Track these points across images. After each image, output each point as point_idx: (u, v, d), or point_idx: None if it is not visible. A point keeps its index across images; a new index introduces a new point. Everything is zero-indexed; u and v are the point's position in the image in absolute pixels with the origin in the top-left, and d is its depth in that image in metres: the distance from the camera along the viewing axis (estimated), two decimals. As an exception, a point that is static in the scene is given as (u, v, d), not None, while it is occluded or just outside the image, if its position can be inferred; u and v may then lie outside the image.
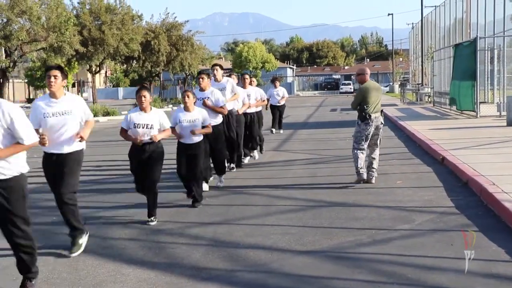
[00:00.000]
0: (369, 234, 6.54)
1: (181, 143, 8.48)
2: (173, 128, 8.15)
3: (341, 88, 79.19)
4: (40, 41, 30.87)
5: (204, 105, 9.32)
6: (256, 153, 12.95)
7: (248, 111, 12.13)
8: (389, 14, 68.13)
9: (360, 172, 9.32)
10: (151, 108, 7.51)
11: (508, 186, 7.99)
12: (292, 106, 39.61)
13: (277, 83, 18.80)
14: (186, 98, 8.40)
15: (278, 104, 18.55)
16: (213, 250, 6.22)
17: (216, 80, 10.68)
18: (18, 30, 29.21)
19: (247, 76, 12.60)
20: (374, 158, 9.54)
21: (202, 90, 9.66)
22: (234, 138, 10.81)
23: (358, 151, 9.31)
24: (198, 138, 8.50)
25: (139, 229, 7.15)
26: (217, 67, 10.81)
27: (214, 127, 9.15)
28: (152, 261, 5.86)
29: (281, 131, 19.15)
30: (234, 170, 11.31)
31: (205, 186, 9.18)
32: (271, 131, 18.66)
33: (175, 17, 49.84)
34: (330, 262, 5.65)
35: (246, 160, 12.49)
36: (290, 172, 11.33)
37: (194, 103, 8.60)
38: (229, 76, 11.64)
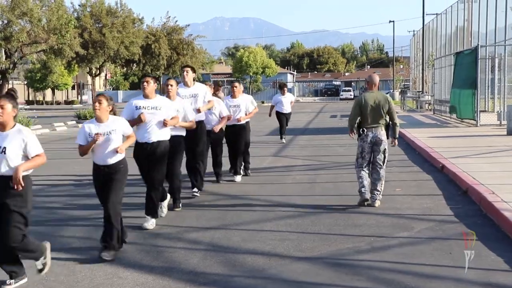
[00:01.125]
0: (368, 241, 6.52)
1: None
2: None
3: (341, 95, 79.25)
4: (41, 43, 30.87)
5: (165, 125, 7.50)
6: (239, 178, 10.97)
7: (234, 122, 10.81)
8: (390, 21, 68.21)
9: (362, 191, 8.38)
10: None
11: (508, 195, 7.97)
12: (292, 112, 39.54)
13: (285, 90, 18.29)
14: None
15: (285, 112, 17.98)
16: (211, 255, 6.19)
17: (185, 84, 9.13)
18: (18, 32, 29.22)
19: (236, 84, 11.25)
20: (376, 179, 8.48)
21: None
22: (198, 156, 9.20)
23: (358, 168, 8.55)
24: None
25: (137, 233, 7.12)
26: (188, 69, 9.20)
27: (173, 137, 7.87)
28: (149, 265, 5.84)
29: (284, 140, 18.30)
30: (197, 194, 9.22)
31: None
32: (282, 140, 17.96)
33: (176, 21, 49.98)
34: (328, 269, 5.62)
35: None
36: (289, 177, 11.31)
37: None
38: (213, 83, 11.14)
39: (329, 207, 8.37)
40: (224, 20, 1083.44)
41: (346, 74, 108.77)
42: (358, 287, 5.10)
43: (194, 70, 9.30)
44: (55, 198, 9.60)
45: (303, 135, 21.25)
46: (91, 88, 49.29)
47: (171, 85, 8.27)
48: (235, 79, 11.32)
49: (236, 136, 10.93)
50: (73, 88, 79.09)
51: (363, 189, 8.37)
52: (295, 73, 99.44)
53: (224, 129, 10.61)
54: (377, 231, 6.95)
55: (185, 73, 9.11)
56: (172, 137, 7.71)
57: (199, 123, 9.04)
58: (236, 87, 11.11)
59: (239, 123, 10.85)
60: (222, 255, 6.14)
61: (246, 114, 11.07)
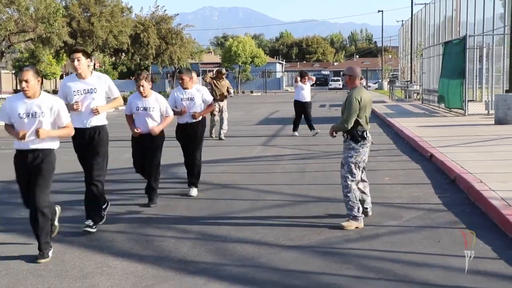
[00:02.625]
0: (357, 230, 6.55)
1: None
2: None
3: (330, 84, 79.39)
4: (28, 32, 30.63)
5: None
6: (194, 191, 8.77)
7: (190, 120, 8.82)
8: (379, 11, 68.29)
9: (367, 210, 7.06)
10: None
11: (496, 183, 8.03)
12: (281, 102, 39.62)
13: (306, 79, 17.02)
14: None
15: (304, 100, 16.82)
16: (200, 243, 6.20)
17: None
18: (6, 20, 28.96)
19: (184, 75, 8.71)
20: (365, 194, 7.13)
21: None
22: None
23: (352, 182, 6.77)
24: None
25: (126, 222, 7.11)
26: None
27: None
28: (139, 254, 5.84)
29: (316, 131, 16.54)
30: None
31: None
32: (294, 133, 16.80)
33: (165, 10, 49.74)
34: (318, 257, 5.65)
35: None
36: (279, 167, 11.33)
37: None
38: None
39: (318, 196, 8.40)
40: (213, 10, 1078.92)
41: (335, 64, 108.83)
42: (348, 275, 5.13)
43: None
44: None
45: (292, 125, 21.23)
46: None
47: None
48: (184, 68, 9.82)
49: (190, 136, 8.83)
50: (61, 77, 78.47)
51: (367, 205, 7.06)
52: (284, 62, 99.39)
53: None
54: (366, 220, 6.97)
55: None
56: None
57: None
58: (183, 78, 8.66)
59: (194, 120, 8.74)
60: (212, 244, 6.15)
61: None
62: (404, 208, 7.58)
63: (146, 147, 7.96)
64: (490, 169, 9.37)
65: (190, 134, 8.79)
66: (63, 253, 5.93)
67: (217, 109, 16.12)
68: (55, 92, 70.84)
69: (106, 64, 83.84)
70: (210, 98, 8.89)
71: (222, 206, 8.04)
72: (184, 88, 8.76)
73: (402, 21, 55.66)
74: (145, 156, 8.00)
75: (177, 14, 51.64)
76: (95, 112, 6.57)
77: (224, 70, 16.91)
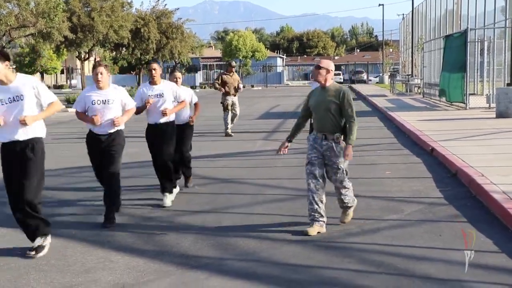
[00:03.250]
0: (358, 224, 6.56)
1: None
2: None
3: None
4: (29, 26, 30.59)
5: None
6: (167, 200, 7.81)
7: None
8: (379, 5, 68.08)
9: (315, 217, 6.26)
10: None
11: (497, 177, 8.03)
12: (282, 96, 39.59)
13: None
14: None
15: None
16: (202, 238, 6.21)
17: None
18: (6, 15, 28.94)
19: (155, 66, 7.80)
20: (342, 201, 6.55)
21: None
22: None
23: (307, 179, 6.40)
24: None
25: (128, 217, 7.12)
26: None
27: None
28: (141, 249, 5.85)
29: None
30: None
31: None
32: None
33: (165, 5, 49.62)
34: (319, 252, 5.65)
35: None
36: (280, 161, 11.32)
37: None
38: None
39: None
40: (213, 4, 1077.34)
41: (336, 58, 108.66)
42: (349, 269, 5.14)
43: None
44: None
45: (293, 119, 21.21)
46: (80, 72, 48.93)
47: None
48: (154, 58, 9.27)
49: (161, 138, 7.85)
50: (62, 72, 78.51)
51: (316, 214, 6.35)
52: (284, 57, 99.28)
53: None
54: (367, 214, 6.99)
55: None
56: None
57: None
58: (155, 69, 7.75)
59: (164, 119, 7.80)
60: (213, 239, 6.15)
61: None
62: (405, 202, 7.58)
63: (103, 151, 6.84)
64: (492, 162, 9.37)
65: (159, 136, 7.79)
66: (65, 248, 5.94)
67: (229, 103, 15.75)
68: (55, 87, 70.92)
69: (106, 59, 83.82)
70: (183, 95, 8.05)
71: (223, 200, 8.04)
72: (152, 84, 7.79)
73: (403, 14, 55.58)
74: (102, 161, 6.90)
75: (178, 9, 51.52)
76: (22, 122, 5.50)
77: (234, 63, 16.54)
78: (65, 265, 5.43)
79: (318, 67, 6.31)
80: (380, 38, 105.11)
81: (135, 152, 11.62)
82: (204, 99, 40.78)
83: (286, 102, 32.50)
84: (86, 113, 6.88)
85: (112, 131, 6.81)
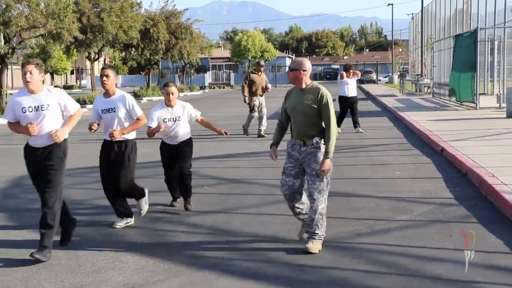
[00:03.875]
0: (368, 225, 6.54)
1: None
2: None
3: (340, 78, 79.17)
4: (39, 27, 30.69)
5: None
6: (119, 223, 6.78)
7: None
8: (389, 5, 67.91)
9: (303, 218, 5.97)
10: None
11: (508, 177, 7.99)
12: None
13: (351, 72, 16.06)
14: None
15: (350, 95, 15.91)
16: (212, 238, 6.22)
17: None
18: (17, 16, 29.04)
19: (108, 72, 6.64)
20: (310, 218, 5.72)
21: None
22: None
23: (282, 190, 5.88)
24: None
25: (138, 217, 7.13)
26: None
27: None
28: (151, 249, 5.86)
29: (361, 130, 15.71)
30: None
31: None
32: (360, 130, 15.65)
33: (174, 5, 49.67)
34: (329, 252, 5.64)
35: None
36: (289, 161, 11.31)
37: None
38: None
39: (329, 191, 8.35)
40: (222, 4, 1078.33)
41: (345, 57, 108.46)
42: (358, 270, 5.12)
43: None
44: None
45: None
46: (90, 73, 49.10)
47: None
48: (106, 66, 7.77)
49: (114, 160, 6.71)
50: (72, 73, 78.89)
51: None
52: (293, 57, 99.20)
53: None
54: (377, 214, 6.97)
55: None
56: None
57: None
58: (108, 76, 6.58)
59: (115, 139, 6.56)
60: (223, 239, 6.16)
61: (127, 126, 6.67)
62: (415, 202, 7.55)
63: (38, 164, 5.77)
64: (502, 163, 9.32)
65: (112, 156, 6.67)
66: (75, 247, 5.96)
67: (256, 104, 15.29)
68: (65, 88, 71.21)
69: (116, 59, 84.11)
70: (139, 112, 6.62)
71: (233, 201, 8.04)
72: (107, 96, 6.66)
73: (412, 14, 55.42)
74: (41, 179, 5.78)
75: (187, 9, 51.55)
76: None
77: (262, 62, 16.08)
78: (76, 265, 5.45)
79: (291, 69, 5.71)
80: (389, 38, 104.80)
81: (148, 153, 11.63)
82: (213, 99, 40.79)
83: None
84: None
85: (50, 143, 5.71)
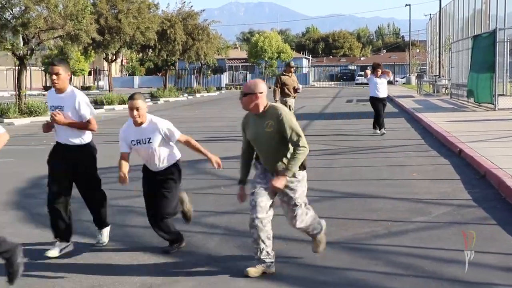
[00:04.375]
0: (385, 226, 6.51)
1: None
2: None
3: (357, 79, 78.95)
4: (57, 29, 30.94)
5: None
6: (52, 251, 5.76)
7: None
8: (406, 5, 67.59)
9: (261, 257, 5.06)
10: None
11: (527, 179, 7.90)
12: (308, 97, 39.49)
13: (379, 71, 15.47)
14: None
15: (381, 96, 15.47)
16: (228, 239, 6.22)
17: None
18: (35, 18, 29.31)
19: (59, 67, 5.81)
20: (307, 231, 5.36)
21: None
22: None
23: (251, 213, 5.10)
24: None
25: (154, 217, 7.14)
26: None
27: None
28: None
29: (384, 130, 15.51)
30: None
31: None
32: (377, 132, 15.36)
33: (191, 6, 49.84)
34: (346, 253, 5.62)
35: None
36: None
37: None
38: None
39: (345, 192, 8.35)
40: (239, 5, 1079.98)
41: (362, 58, 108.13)
42: (376, 272, 5.10)
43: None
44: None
45: (319, 120, 21.18)
46: (107, 74, 49.41)
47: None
48: (58, 58, 6.85)
49: (71, 168, 5.91)
50: (89, 74, 79.45)
51: (264, 254, 5.10)
52: (310, 57, 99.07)
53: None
54: (394, 215, 6.93)
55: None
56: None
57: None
58: (58, 74, 5.79)
59: (72, 142, 5.89)
60: (239, 239, 6.16)
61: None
62: (433, 204, 7.50)
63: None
64: (521, 164, 9.22)
65: (69, 163, 5.85)
66: (92, 247, 5.99)
67: (288, 106, 14.35)
68: (83, 88, 71.72)
69: (133, 60, 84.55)
70: (87, 114, 5.86)
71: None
72: (57, 92, 5.89)
73: (430, 14, 55.08)
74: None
75: (204, 10, 51.71)
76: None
77: (293, 63, 15.73)
78: (93, 265, 5.48)
79: (244, 94, 4.96)
80: (406, 39, 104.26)
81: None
82: (229, 100, 40.86)
83: (312, 103, 32.41)
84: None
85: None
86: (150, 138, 5.60)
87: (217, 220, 6.99)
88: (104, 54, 43.96)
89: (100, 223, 6.15)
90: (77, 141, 5.87)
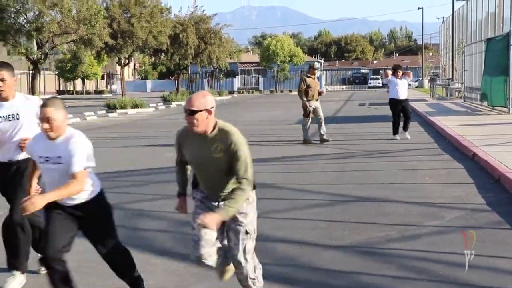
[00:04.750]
0: (398, 230, 6.49)
1: None
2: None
3: (370, 83, 78.85)
4: (71, 33, 31.22)
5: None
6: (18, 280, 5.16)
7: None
8: (419, 8, 67.41)
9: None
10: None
11: (541, 183, 7.85)
12: (321, 100, 39.40)
13: (399, 72, 15.20)
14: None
15: (402, 98, 15.13)
16: (241, 243, 6.22)
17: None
18: (49, 23, 29.59)
19: (3, 71, 4.94)
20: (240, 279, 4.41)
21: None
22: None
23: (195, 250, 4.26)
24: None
25: (168, 221, 7.18)
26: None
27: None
28: (180, 253, 5.89)
29: (408, 136, 15.16)
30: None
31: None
32: (395, 137, 15.04)
33: (203, 10, 50.07)
34: (359, 257, 5.62)
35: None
36: (318, 166, 11.29)
37: None
38: None
39: (358, 196, 8.34)
40: (251, 9, 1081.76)
41: (374, 62, 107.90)
42: (389, 276, 5.08)
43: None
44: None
45: (332, 124, 21.13)
46: (120, 77, 49.66)
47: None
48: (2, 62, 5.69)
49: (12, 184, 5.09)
50: (102, 78, 79.88)
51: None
52: (322, 61, 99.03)
53: None
54: (407, 219, 6.91)
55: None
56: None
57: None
58: (3, 79, 4.91)
59: (20, 157, 5.06)
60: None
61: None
62: (446, 208, 7.47)
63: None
64: (535, 168, 9.16)
65: (11, 180, 5.06)
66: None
67: (311, 109, 14.69)
68: (96, 92, 72.08)
69: (146, 64, 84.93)
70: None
71: (262, 205, 7.98)
72: (3, 99, 4.99)
73: (443, 18, 54.86)
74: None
75: (216, 14, 51.97)
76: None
77: (317, 65, 15.47)
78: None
79: (193, 111, 3.92)
80: (419, 42, 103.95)
81: (174, 157, 11.71)
82: (242, 104, 40.90)
83: (325, 107, 32.32)
84: None
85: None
86: (61, 157, 4.23)
87: (230, 224, 7.00)
88: (117, 58, 44.25)
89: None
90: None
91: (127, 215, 7.63)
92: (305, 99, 14.56)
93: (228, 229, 4.24)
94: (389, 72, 15.68)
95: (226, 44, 51.82)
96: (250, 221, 4.23)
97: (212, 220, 3.95)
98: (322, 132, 14.77)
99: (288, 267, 5.43)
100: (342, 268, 5.31)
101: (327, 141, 14.61)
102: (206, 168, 4.12)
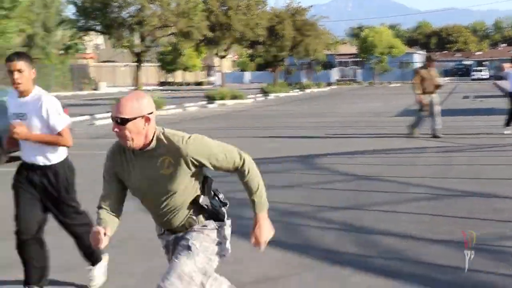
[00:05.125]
0: (511, 228, 6.20)
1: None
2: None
3: (473, 75, 75.81)
4: (170, 26, 32.03)
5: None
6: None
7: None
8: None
9: None
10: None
11: None
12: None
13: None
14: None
15: None
16: (344, 234, 6.19)
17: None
18: (150, 16, 30.49)
19: (18, 63, 4.38)
20: None
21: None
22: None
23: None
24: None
25: (272, 211, 7.17)
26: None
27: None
28: (286, 242, 5.90)
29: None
30: None
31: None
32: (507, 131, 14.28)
33: (299, 2, 50.01)
34: (468, 253, 5.42)
35: None
36: (421, 159, 11.00)
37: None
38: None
39: (465, 191, 8.05)
40: (346, 1, 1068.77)
41: (477, 53, 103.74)
42: (502, 274, 4.86)
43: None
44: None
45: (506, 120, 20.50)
46: (218, 69, 50.56)
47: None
48: (14, 56, 3.53)
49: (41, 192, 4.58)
50: (202, 69, 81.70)
51: None
52: (423, 52, 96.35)
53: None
54: (519, 216, 6.61)
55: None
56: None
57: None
58: (21, 70, 4.37)
59: (42, 162, 4.54)
60: (355, 235, 6.11)
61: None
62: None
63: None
64: None
65: (39, 187, 4.55)
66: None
67: (427, 103, 14.00)
68: (196, 84, 73.79)
69: (243, 56, 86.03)
70: (59, 124, 4.44)
71: (364, 197, 7.94)
72: (20, 94, 4.49)
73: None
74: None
75: (312, 6, 51.77)
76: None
77: (434, 56, 15.00)
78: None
79: (125, 119, 2.96)
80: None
81: (276, 148, 11.79)
82: (340, 95, 40.57)
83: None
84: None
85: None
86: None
87: (332, 215, 6.96)
88: (215, 50, 45.03)
89: (91, 256, 4.79)
90: (45, 160, 4.54)
91: (231, 204, 7.75)
92: (418, 92, 14.00)
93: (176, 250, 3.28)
94: (507, 65, 14.81)
95: (323, 36, 51.52)
96: (200, 244, 3.26)
97: (266, 231, 3.45)
98: (436, 126, 14.06)
99: (393, 260, 5.33)
100: (449, 263, 5.14)
101: (439, 137, 13.81)
102: (156, 193, 3.13)
